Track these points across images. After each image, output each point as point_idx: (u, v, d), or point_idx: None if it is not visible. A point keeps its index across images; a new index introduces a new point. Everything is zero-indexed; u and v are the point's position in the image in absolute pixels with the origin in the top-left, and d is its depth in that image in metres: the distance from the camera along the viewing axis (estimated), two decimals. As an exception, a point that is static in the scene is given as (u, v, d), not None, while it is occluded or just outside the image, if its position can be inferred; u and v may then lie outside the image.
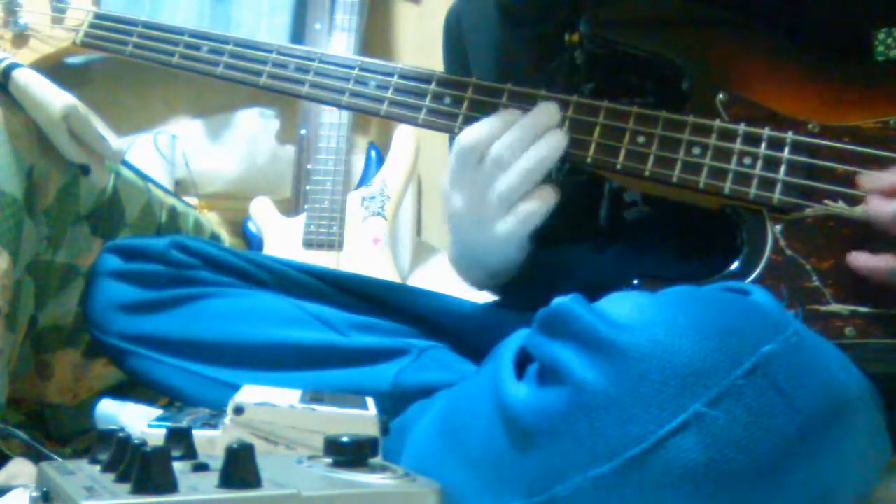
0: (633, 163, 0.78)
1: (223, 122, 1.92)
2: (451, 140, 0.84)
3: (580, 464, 0.51)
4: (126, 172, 1.14)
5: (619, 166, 0.78)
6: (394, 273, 1.73)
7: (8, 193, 0.89)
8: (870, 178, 0.72)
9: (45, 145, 0.96)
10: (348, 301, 0.93)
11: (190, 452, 0.52)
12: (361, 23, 1.86)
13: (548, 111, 0.79)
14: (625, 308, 0.54)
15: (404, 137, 1.82)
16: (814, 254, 0.72)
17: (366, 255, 1.74)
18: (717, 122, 0.77)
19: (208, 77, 0.93)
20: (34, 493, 0.51)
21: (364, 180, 1.82)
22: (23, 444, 0.85)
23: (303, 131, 1.86)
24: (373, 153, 1.86)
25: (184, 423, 0.66)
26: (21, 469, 0.82)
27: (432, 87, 0.85)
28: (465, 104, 0.83)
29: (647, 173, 0.77)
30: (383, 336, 0.88)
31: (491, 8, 0.98)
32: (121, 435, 0.51)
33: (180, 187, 1.88)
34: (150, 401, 0.92)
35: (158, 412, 0.75)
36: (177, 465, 0.46)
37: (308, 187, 1.78)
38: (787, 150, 0.75)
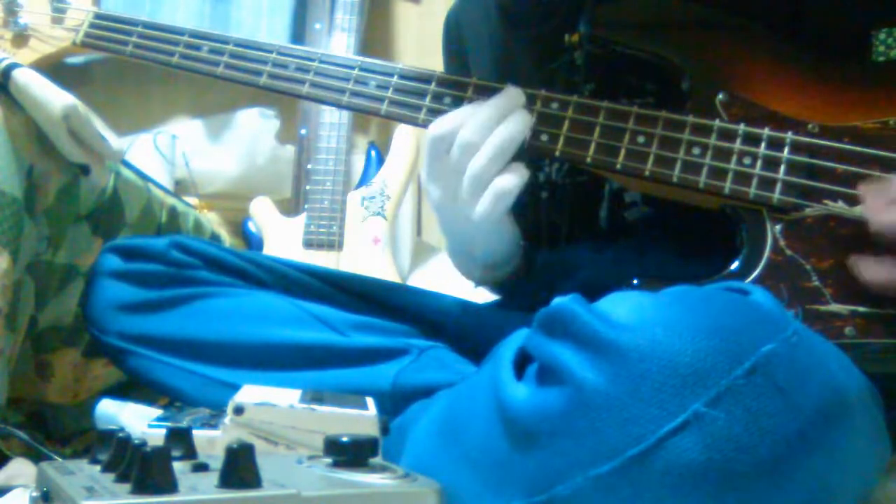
0: (633, 163, 0.78)
1: (223, 122, 1.92)
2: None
3: (580, 463, 0.51)
4: (126, 172, 1.14)
5: (619, 166, 0.78)
6: (394, 273, 1.73)
7: (8, 193, 0.89)
8: (872, 189, 0.71)
9: (45, 145, 0.96)
10: (348, 301, 0.93)
11: (190, 452, 0.52)
12: (361, 23, 1.86)
13: (511, 94, 0.80)
14: (625, 308, 0.54)
15: (404, 137, 1.82)
16: (814, 254, 0.72)
17: (366, 255, 1.74)
18: (716, 122, 0.77)
19: (208, 77, 0.93)
20: (34, 493, 0.51)
21: (364, 180, 1.82)
22: (23, 444, 0.85)
23: (303, 131, 1.86)
24: (373, 153, 1.86)
25: (184, 423, 0.66)
26: (21, 469, 0.82)
27: (432, 87, 0.85)
28: (465, 104, 0.83)
29: (647, 173, 0.77)
30: (383, 336, 0.88)
31: (491, 8, 0.98)
32: (121, 435, 0.51)
33: (180, 187, 1.89)
34: (150, 401, 0.92)
35: (158, 412, 0.75)
36: (177, 465, 0.46)
37: (308, 187, 1.78)
38: (786, 150, 0.75)
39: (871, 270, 0.69)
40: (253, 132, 1.91)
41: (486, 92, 0.82)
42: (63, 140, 0.95)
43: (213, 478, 0.47)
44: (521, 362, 0.59)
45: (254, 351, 0.88)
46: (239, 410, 0.67)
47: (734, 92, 0.78)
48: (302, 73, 0.89)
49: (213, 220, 1.59)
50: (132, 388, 1.09)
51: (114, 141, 1.03)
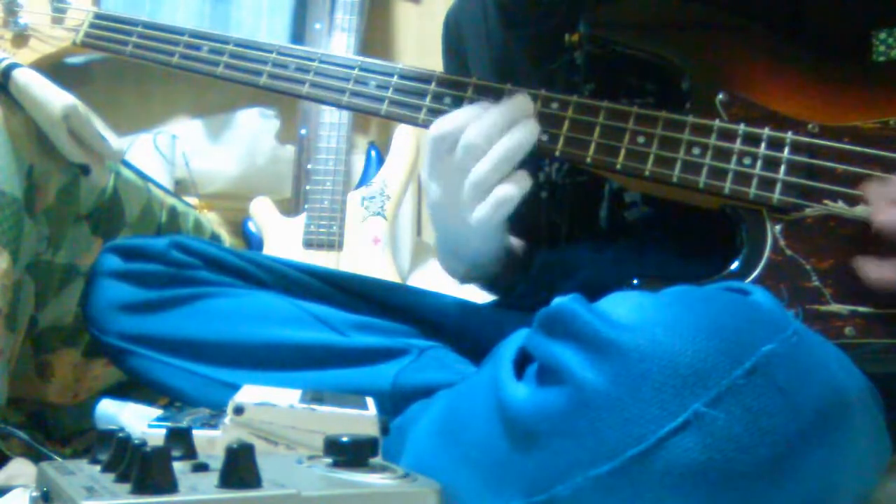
0: (633, 163, 0.78)
1: (223, 122, 1.92)
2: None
3: (580, 463, 0.51)
4: (126, 172, 1.14)
5: (619, 166, 0.78)
6: (394, 273, 1.73)
7: (8, 193, 0.89)
8: (874, 189, 0.71)
9: (45, 145, 0.96)
10: (348, 301, 0.94)
11: (190, 452, 0.52)
12: (361, 23, 1.86)
13: (520, 101, 0.79)
14: (625, 308, 0.54)
15: (404, 137, 1.82)
16: (814, 254, 0.72)
17: (366, 255, 1.74)
18: (716, 123, 0.77)
19: (208, 77, 0.93)
20: (34, 493, 0.51)
21: (364, 180, 1.82)
22: (23, 444, 0.85)
23: (303, 131, 1.86)
24: (373, 153, 1.86)
25: (184, 423, 0.66)
26: (21, 469, 0.82)
27: (432, 87, 0.85)
28: (465, 104, 0.83)
29: (647, 173, 0.77)
30: (383, 336, 0.88)
31: (490, 7, 0.98)
32: (121, 435, 0.51)
33: (180, 187, 1.89)
34: (150, 401, 0.92)
35: (158, 412, 0.75)
36: (177, 465, 0.46)
37: (308, 187, 1.79)
38: (786, 150, 0.75)
39: (877, 271, 0.69)
40: (253, 132, 1.91)
41: (486, 92, 0.82)
42: (63, 140, 0.95)
43: (213, 478, 0.47)
44: (522, 362, 0.59)
45: (254, 351, 0.88)
46: (239, 410, 0.67)
47: (734, 92, 0.78)
48: (302, 73, 0.89)
49: (213, 220, 1.59)
50: (132, 388, 1.09)
51: (114, 141, 1.03)
